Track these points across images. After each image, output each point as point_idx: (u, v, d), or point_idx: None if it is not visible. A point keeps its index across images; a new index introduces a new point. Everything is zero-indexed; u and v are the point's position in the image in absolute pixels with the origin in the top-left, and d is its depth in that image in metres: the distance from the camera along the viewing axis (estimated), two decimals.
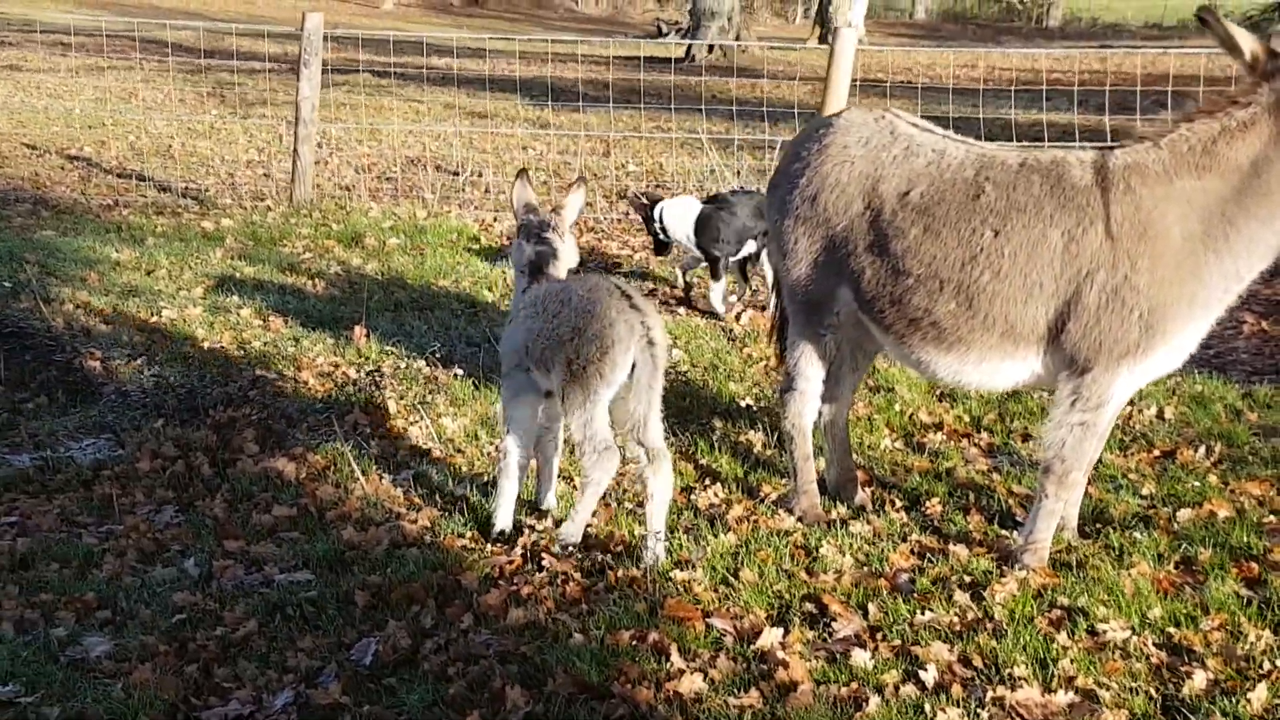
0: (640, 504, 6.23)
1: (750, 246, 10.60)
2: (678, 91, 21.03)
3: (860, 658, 5.21)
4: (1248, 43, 5.70)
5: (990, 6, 47.50)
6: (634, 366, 5.91)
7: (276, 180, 15.14)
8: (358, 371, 8.57)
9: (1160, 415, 8.10)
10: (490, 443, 7.46)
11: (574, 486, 6.74)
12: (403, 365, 8.76)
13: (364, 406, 7.82)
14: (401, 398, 7.91)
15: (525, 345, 6.21)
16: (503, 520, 6.40)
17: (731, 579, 5.89)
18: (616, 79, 20.93)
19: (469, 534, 6.31)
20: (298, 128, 14.06)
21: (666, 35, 33.77)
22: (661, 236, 10.88)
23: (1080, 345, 5.80)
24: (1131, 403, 8.11)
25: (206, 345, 9.08)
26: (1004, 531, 6.43)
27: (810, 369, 6.63)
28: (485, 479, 6.94)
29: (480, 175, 15.58)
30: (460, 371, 8.28)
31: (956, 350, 6.11)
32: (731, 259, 10.65)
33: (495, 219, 13.78)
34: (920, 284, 6.07)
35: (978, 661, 5.23)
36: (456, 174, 15.97)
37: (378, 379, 7.93)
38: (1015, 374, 6.12)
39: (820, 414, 6.80)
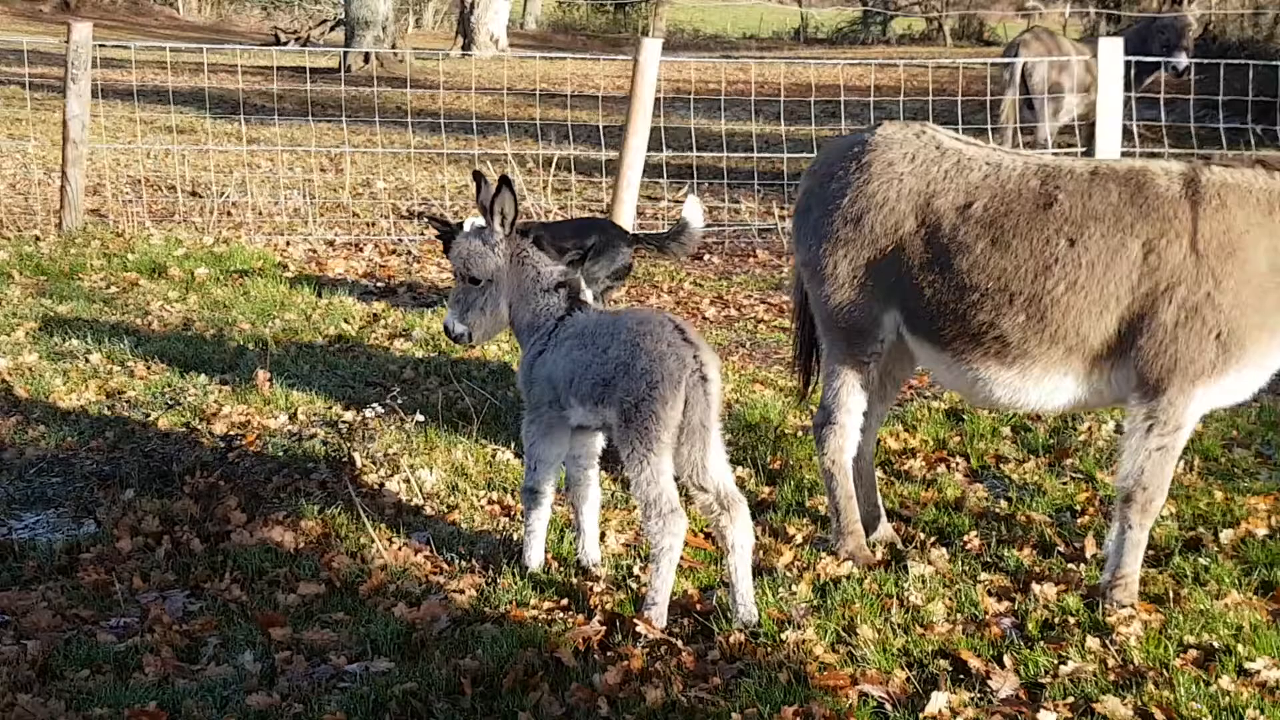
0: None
1: None
2: (354, 103, 20.37)
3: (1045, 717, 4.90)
4: None
5: (598, 18, 48.03)
6: (686, 405, 5.47)
7: (47, 204, 13.84)
8: (294, 423, 7.83)
9: (1118, 430, 8.08)
10: (474, 494, 6.89)
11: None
12: (325, 411, 8.05)
13: (328, 462, 7.10)
14: (366, 451, 7.21)
15: (569, 378, 5.75)
16: (535, 559, 6.08)
17: (845, 636, 5.52)
18: (283, 89, 20.20)
19: (533, 601, 5.77)
20: (66, 148, 12.91)
21: (286, 44, 32.67)
22: None
23: (1154, 363, 5.66)
24: (1093, 418, 8.10)
25: (77, 399, 8.17)
26: (1070, 565, 6.24)
27: (852, 400, 6.33)
28: (500, 536, 6.41)
29: (224, 195, 14.56)
30: (422, 418, 7.62)
31: (1020, 365, 5.91)
32: None
33: (288, 243, 12.98)
34: (987, 298, 5.85)
35: (1160, 716, 4.98)
36: (196, 194, 14.93)
37: (342, 430, 7.19)
38: (1078, 392, 5.96)
39: None
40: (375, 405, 7.48)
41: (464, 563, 6.15)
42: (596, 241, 9.93)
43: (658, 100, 12.76)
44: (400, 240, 13.47)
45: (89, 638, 5.45)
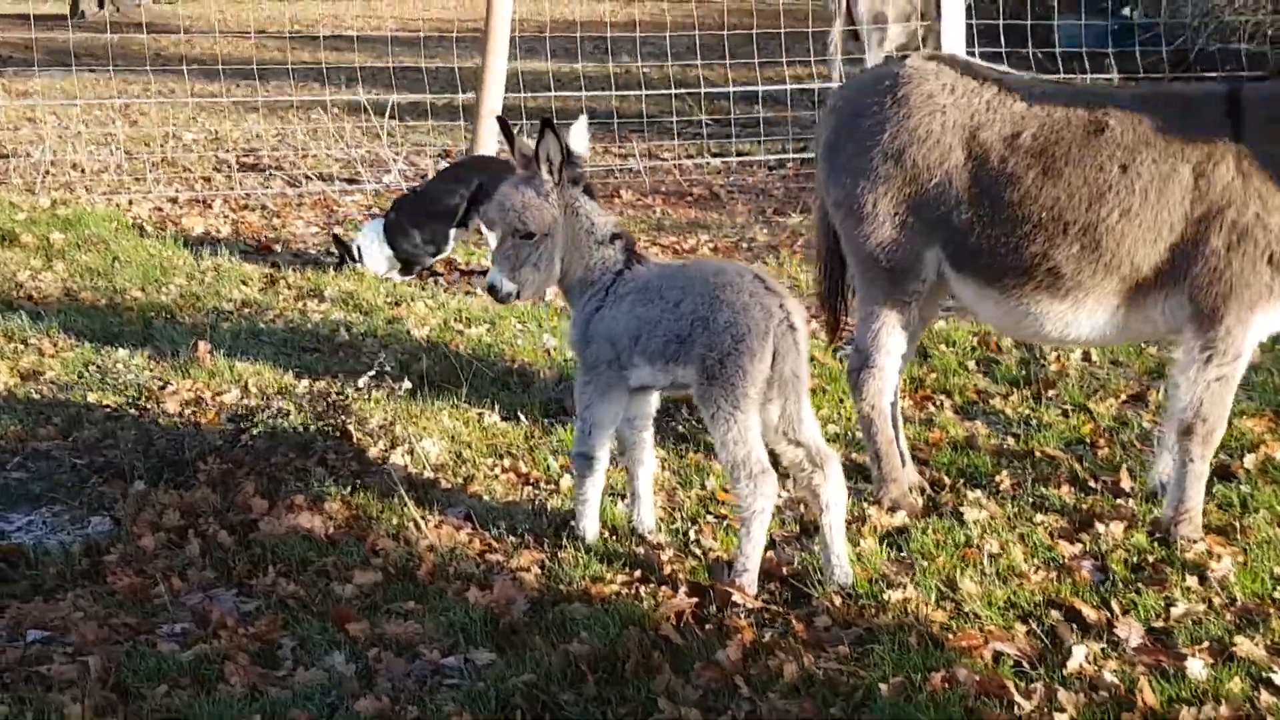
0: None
1: (453, 237, 9.90)
2: (96, 49, 19.13)
3: (1194, 668, 4.78)
4: None
5: None
6: (775, 357, 5.19)
7: None
8: (249, 396, 7.30)
9: (1086, 357, 8.08)
10: (482, 462, 6.51)
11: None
12: (278, 382, 7.54)
13: (324, 437, 6.61)
14: (361, 424, 6.73)
15: (634, 335, 5.43)
16: (592, 530, 5.77)
17: (948, 592, 5.32)
18: (39, 38, 18.90)
19: (607, 575, 5.44)
20: None
21: None
22: (372, 272, 9.92)
23: (1209, 290, 5.59)
24: (1059, 350, 8.06)
25: None
26: (1119, 500, 6.16)
27: (891, 341, 6.17)
28: (533, 505, 6.10)
29: (43, 153, 13.62)
30: (409, 385, 7.15)
31: (1073, 297, 5.81)
32: (445, 251, 10.03)
33: (130, 203, 12.22)
34: (1040, 229, 5.73)
35: None
36: (7, 156, 13.95)
37: (341, 403, 6.67)
38: (1130, 323, 5.89)
39: None
40: (366, 375, 6.97)
41: (513, 538, 5.78)
42: (484, 182, 9.54)
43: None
44: (250, 195, 12.76)
45: (149, 648, 4.96)
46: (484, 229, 5.58)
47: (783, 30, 14.92)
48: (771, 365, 5.21)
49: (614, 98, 14.79)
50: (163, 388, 7.41)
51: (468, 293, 9.69)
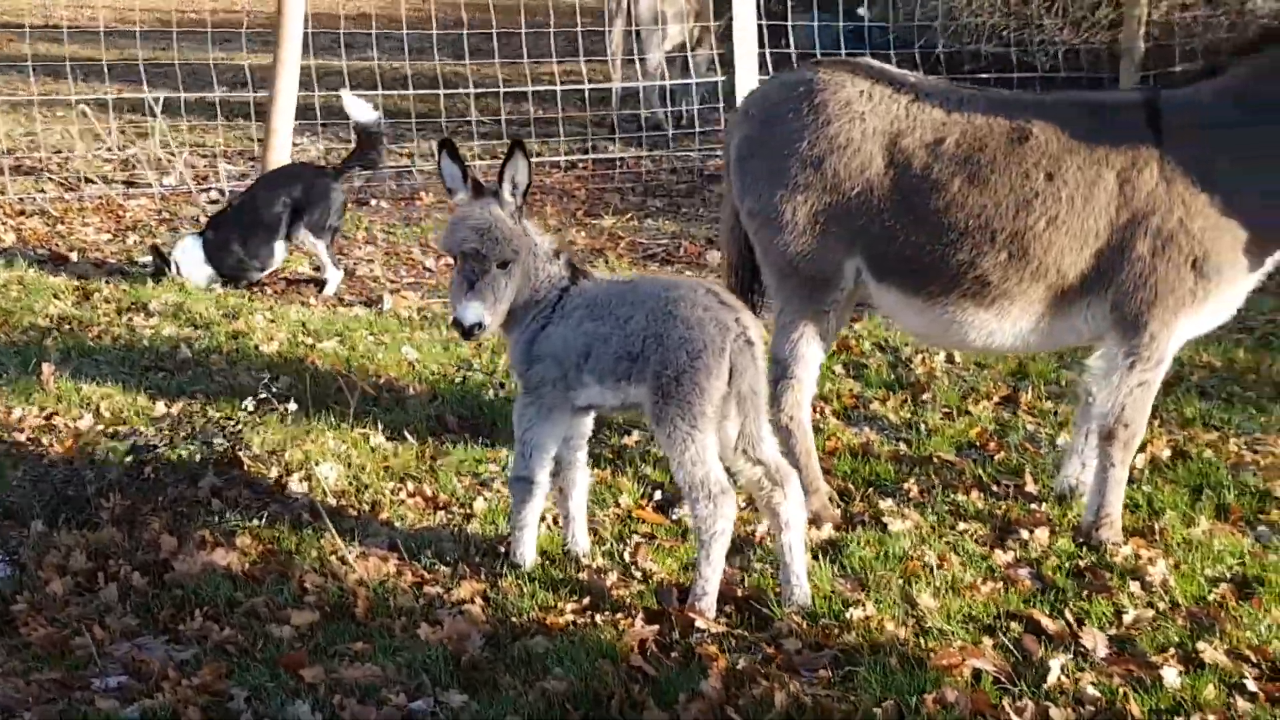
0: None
1: (281, 250, 9.50)
2: None
3: (1169, 677, 4.80)
4: None
5: None
6: (732, 373, 5.05)
7: None
8: (103, 421, 6.81)
9: (950, 359, 8.13)
10: (382, 486, 6.20)
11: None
12: (130, 405, 7.06)
13: (217, 466, 6.18)
14: (249, 450, 6.33)
15: (583, 353, 5.23)
16: (529, 557, 5.53)
17: (907, 607, 5.25)
18: None
19: (558, 604, 5.24)
20: None
21: None
22: (190, 283, 9.46)
23: (1134, 296, 5.64)
24: (922, 353, 8.10)
25: None
26: (1033, 505, 6.22)
27: (810, 352, 6.09)
28: (451, 531, 5.82)
29: None
30: (294, 406, 6.75)
31: (998, 305, 5.80)
32: (273, 264, 9.63)
33: None
34: (967, 236, 5.71)
35: (1254, 657, 5.00)
36: None
37: (233, 430, 6.23)
38: (1055, 331, 5.92)
39: None
40: (250, 399, 6.53)
41: (444, 568, 5.49)
42: (303, 190, 9.24)
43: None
44: (25, 200, 12.01)
45: (86, 705, 4.52)
46: (452, 258, 5.21)
47: (552, 29, 14.73)
48: (729, 382, 5.04)
49: (397, 97, 14.36)
50: (7, 415, 6.84)
51: (303, 303, 9.28)
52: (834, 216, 5.86)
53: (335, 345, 8.16)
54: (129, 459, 5.97)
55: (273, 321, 8.65)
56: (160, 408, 7.06)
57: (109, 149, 13.56)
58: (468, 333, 5.19)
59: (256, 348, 8.05)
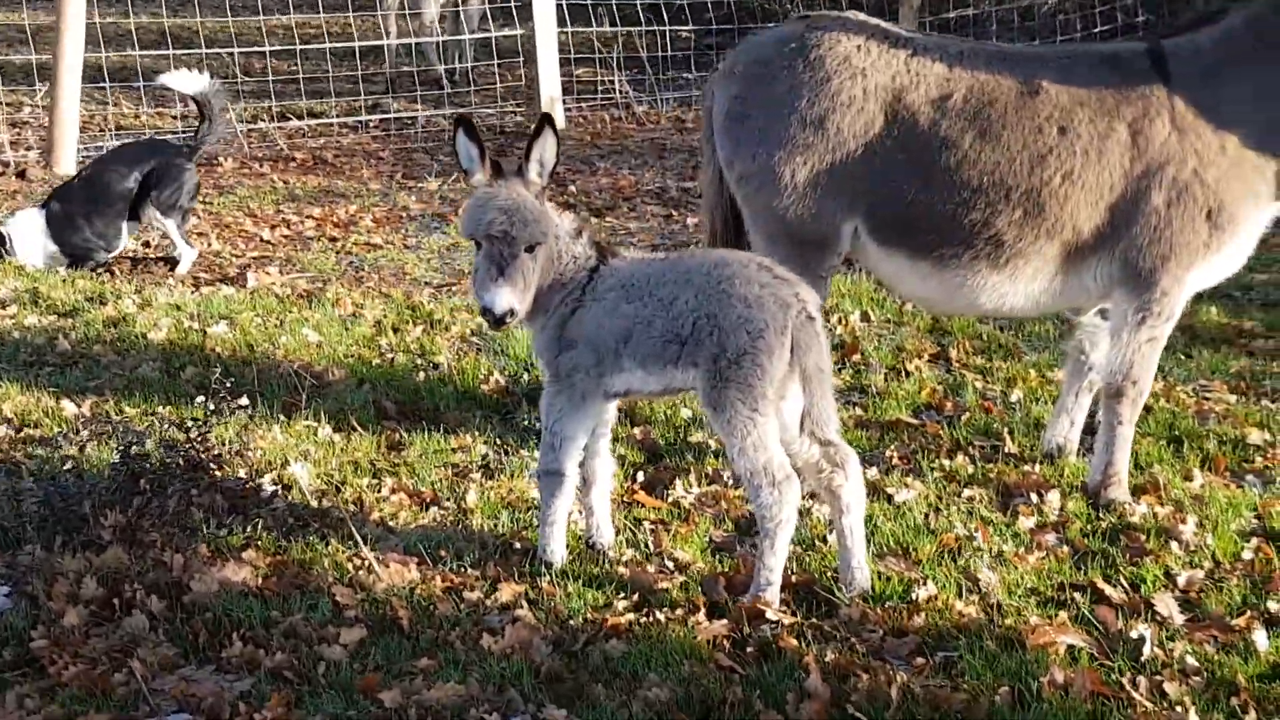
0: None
1: (127, 230, 8.91)
2: None
3: (1260, 640, 4.73)
4: None
5: None
6: (794, 351, 4.80)
7: None
8: (36, 428, 6.15)
9: (865, 318, 8.02)
10: (359, 483, 5.76)
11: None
12: (55, 409, 6.42)
13: (181, 471, 5.60)
14: (209, 452, 5.76)
15: (622, 337, 4.92)
16: (559, 553, 5.20)
17: (970, 585, 5.07)
18: None
19: (612, 604, 4.91)
20: None
21: None
22: (31, 266, 8.75)
23: (1148, 251, 5.57)
24: (838, 313, 7.96)
25: None
26: (1025, 466, 6.14)
27: None
28: (454, 528, 5.47)
29: None
30: (245, 402, 6.18)
31: (1011, 266, 5.69)
32: (119, 246, 9.01)
33: None
34: (980, 194, 5.58)
35: None
36: None
37: (202, 431, 5.62)
38: (1067, 291, 5.81)
39: None
40: (202, 397, 5.96)
41: (473, 570, 5.10)
42: (156, 167, 8.67)
43: None
44: None
45: None
46: (473, 242, 4.76)
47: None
48: (792, 361, 4.76)
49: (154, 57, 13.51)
50: None
51: (156, 284, 8.62)
52: (836, 177, 5.65)
53: (224, 330, 7.55)
54: (122, 470, 5.32)
55: (144, 307, 7.98)
56: (70, 407, 6.44)
57: None
58: (499, 321, 4.80)
59: (144, 336, 7.42)
